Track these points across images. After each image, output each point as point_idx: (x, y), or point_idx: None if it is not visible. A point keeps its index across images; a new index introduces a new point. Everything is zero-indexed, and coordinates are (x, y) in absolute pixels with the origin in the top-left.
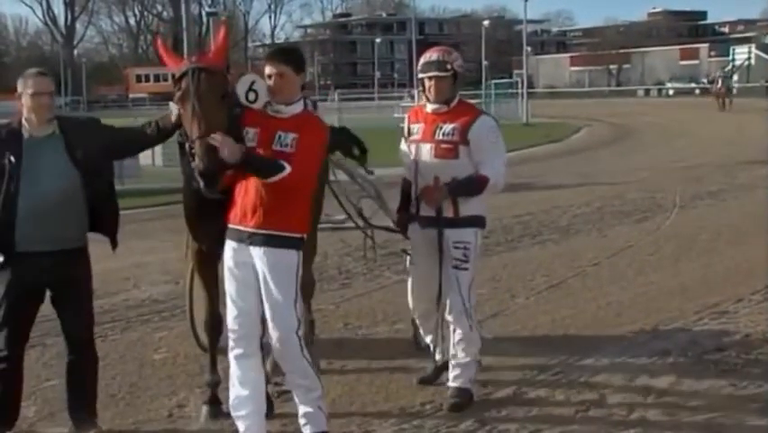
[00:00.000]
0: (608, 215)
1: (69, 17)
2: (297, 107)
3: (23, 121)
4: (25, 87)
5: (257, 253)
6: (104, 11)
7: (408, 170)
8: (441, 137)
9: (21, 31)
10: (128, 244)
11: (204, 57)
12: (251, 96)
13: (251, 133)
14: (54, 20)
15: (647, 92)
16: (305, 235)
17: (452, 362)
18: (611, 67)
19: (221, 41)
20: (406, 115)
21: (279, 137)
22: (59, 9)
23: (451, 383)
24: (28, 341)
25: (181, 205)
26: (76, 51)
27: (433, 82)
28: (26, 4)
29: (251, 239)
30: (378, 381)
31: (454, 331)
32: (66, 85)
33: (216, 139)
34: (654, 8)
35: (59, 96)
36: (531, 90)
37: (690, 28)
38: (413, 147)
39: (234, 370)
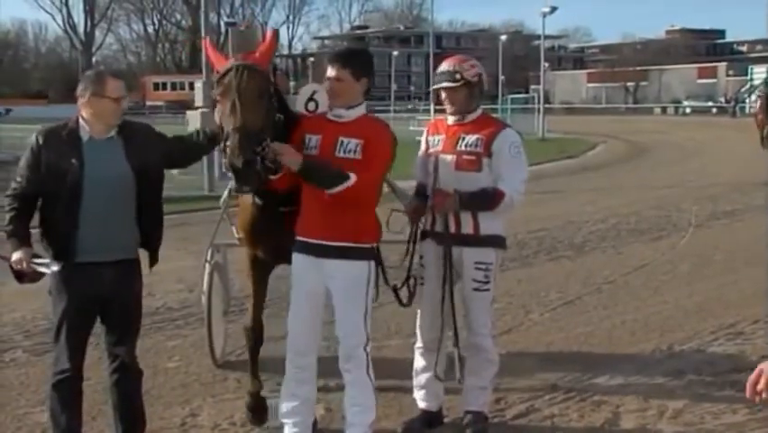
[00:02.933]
0: (623, 232)
1: (89, 24)
2: (359, 111)
3: (82, 122)
4: (105, 91)
5: (328, 266)
6: (123, 19)
7: (422, 181)
8: (464, 148)
9: (41, 37)
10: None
11: (249, 56)
12: (311, 105)
13: (313, 141)
14: (74, 27)
15: (664, 110)
16: (375, 244)
17: (471, 386)
18: (628, 84)
19: (268, 44)
20: (424, 128)
21: (342, 143)
22: (78, 16)
23: (469, 408)
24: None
25: (194, 213)
26: (94, 59)
27: (444, 93)
28: (47, 11)
29: (321, 252)
30: (391, 394)
31: (474, 355)
32: None
33: (275, 146)
34: (672, 26)
35: (75, 104)
36: (547, 106)
37: (708, 46)
38: (432, 159)
39: (289, 380)
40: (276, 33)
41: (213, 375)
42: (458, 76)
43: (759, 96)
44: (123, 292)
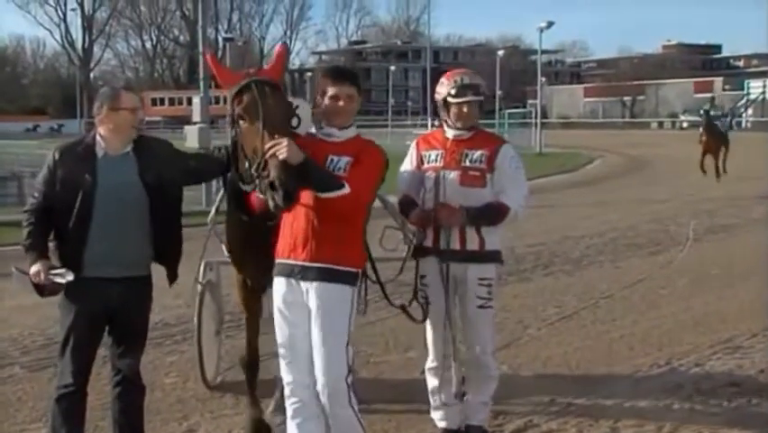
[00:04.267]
0: (621, 246)
1: (87, 40)
2: (352, 132)
3: (98, 138)
4: (118, 102)
5: (308, 289)
6: (121, 34)
7: (408, 197)
8: (468, 164)
9: (38, 53)
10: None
11: (263, 71)
12: (294, 121)
13: None
14: (72, 43)
15: (661, 124)
16: (360, 271)
17: (473, 401)
18: (625, 98)
19: (279, 59)
20: (413, 143)
21: (332, 161)
22: (76, 32)
23: (470, 422)
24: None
25: (193, 228)
26: (92, 74)
27: (466, 107)
28: (45, 27)
29: (302, 273)
30: (390, 408)
31: (475, 371)
32: (82, 107)
33: (279, 140)
34: (669, 40)
35: (73, 119)
36: (545, 120)
37: (705, 61)
38: (431, 175)
39: (294, 415)
40: (285, 48)
41: (210, 391)
42: (481, 89)
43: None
44: (130, 308)
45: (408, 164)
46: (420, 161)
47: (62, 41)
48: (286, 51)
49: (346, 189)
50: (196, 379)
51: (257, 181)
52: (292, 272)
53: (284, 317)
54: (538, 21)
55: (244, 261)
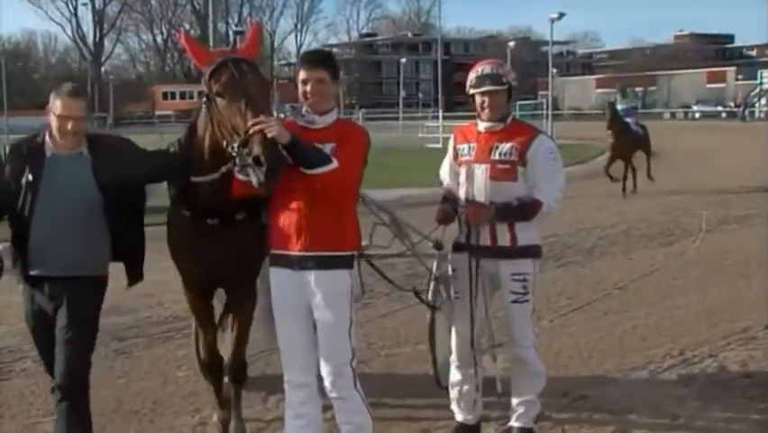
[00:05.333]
0: (633, 237)
1: (98, 35)
2: (333, 116)
3: (47, 138)
4: (54, 107)
5: (308, 278)
6: (132, 29)
7: (452, 191)
8: (498, 157)
9: (50, 48)
10: (152, 261)
11: (238, 50)
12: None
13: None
14: (83, 38)
15: (673, 115)
16: (356, 252)
17: (516, 400)
18: (637, 89)
19: (253, 36)
20: (451, 135)
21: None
22: (87, 27)
23: (514, 423)
24: None
25: None
26: (103, 69)
27: (487, 97)
28: (56, 22)
29: (300, 263)
30: (401, 402)
31: (518, 368)
32: (93, 102)
33: (264, 120)
34: (681, 31)
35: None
36: (556, 112)
37: (717, 51)
38: (463, 168)
39: (291, 402)
40: (259, 27)
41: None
42: (503, 79)
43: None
44: (73, 309)
45: (447, 158)
46: (456, 154)
47: (73, 35)
48: (260, 30)
49: (334, 164)
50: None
51: (236, 159)
52: (289, 263)
53: (284, 308)
54: (549, 12)
55: (186, 262)
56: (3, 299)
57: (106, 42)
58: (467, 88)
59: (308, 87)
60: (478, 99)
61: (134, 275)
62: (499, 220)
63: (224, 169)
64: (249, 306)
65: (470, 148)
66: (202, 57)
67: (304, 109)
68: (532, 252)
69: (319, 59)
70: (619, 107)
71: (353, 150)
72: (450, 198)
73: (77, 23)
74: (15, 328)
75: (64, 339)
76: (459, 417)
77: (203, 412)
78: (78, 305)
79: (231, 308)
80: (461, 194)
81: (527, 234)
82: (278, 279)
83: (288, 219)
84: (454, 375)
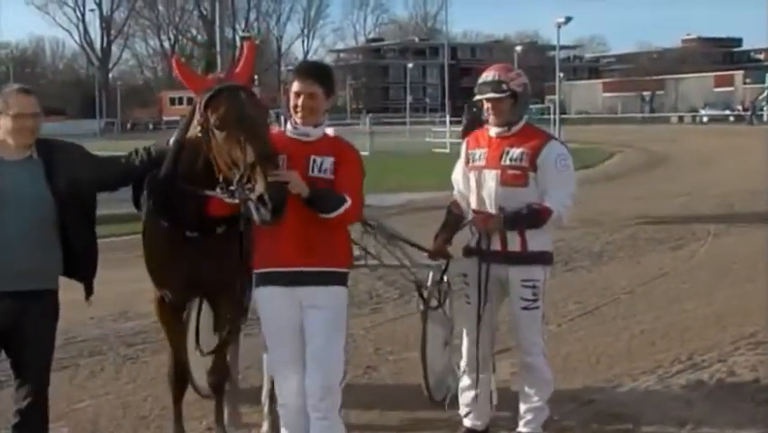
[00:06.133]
0: (641, 241)
1: (105, 41)
2: (322, 129)
3: None
4: (6, 107)
5: (303, 295)
6: (139, 34)
7: (460, 195)
8: (508, 162)
9: (58, 54)
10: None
11: (233, 76)
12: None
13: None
14: (90, 43)
15: (681, 119)
16: (349, 269)
17: (524, 406)
18: (644, 93)
19: (248, 58)
20: (464, 141)
21: (315, 162)
22: (95, 33)
23: (522, 429)
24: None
25: None
26: (111, 74)
27: (490, 104)
28: (63, 28)
29: (295, 280)
30: (408, 406)
31: (527, 374)
32: (101, 107)
33: (282, 174)
34: (689, 34)
35: (92, 120)
36: (563, 116)
37: (725, 54)
38: (473, 174)
39: (289, 426)
40: (252, 45)
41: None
42: (504, 86)
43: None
44: (25, 326)
45: (460, 163)
46: (467, 159)
47: (81, 41)
48: (254, 49)
49: (349, 202)
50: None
51: (236, 193)
52: (282, 280)
53: (279, 327)
54: (556, 16)
55: (162, 273)
56: None
57: (114, 48)
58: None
59: (300, 101)
60: (484, 105)
61: (89, 288)
62: (508, 228)
63: (211, 193)
64: (233, 317)
65: (481, 153)
66: (195, 83)
67: (292, 121)
68: (543, 258)
69: (314, 74)
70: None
71: (354, 173)
72: (454, 212)
73: (85, 28)
74: None
75: (28, 368)
76: (467, 422)
77: (210, 418)
78: (33, 326)
79: (217, 319)
80: (472, 200)
81: (538, 240)
82: (268, 297)
83: (279, 235)
84: (464, 381)
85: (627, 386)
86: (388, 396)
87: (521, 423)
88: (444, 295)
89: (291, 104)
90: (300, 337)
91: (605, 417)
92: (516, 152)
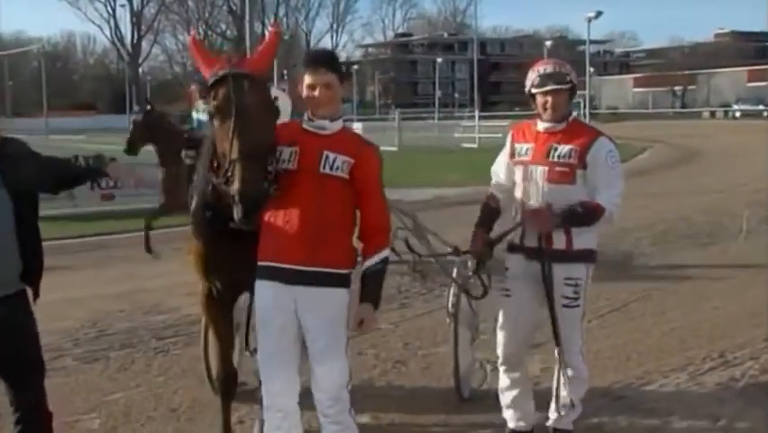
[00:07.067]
0: (672, 238)
1: (136, 36)
2: (340, 123)
3: None
4: None
5: (301, 295)
6: (169, 30)
7: (497, 188)
8: (556, 159)
9: (89, 49)
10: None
11: (245, 62)
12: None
13: (286, 153)
14: (121, 39)
15: (713, 114)
16: (351, 271)
17: (557, 403)
18: (676, 88)
19: (269, 45)
20: (509, 132)
21: (327, 158)
22: (126, 28)
23: (552, 425)
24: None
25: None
26: (141, 69)
27: (550, 97)
28: (95, 24)
29: (294, 278)
30: (439, 401)
31: (564, 371)
32: (131, 102)
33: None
34: (721, 29)
35: (122, 115)
36: (594, 111)
37: (758, 49)
38: (519, 169)
39: (272, 425)
40: (278, 33)
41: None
42: (568, 78)
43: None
44: (7, 332)
45: (503, 155)
46: (512, 153)
47: (111, 37)
48: (278, 39)
49: (387, 250)
50: (246, 371)
51: (221, 185)
52: (282, 277)
53: (269, 322)
54: (586, 11)
55: (210, 265)
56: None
57: (144, 43)
58: (527, 88)
59: (316, 93)
60: (540, 99)
61: (36, 291)
62: (563, 226)
63: (215, 181)
64: None
65: (527, 148)
66: (206, 64)
67: (308, 113)
68: (587, 256)
69: (325, 63)
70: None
71: (374, 177)
72: (492, 205)
73: (116, 24)
74: (54, 327)
75: (21, 370)
76: (511, 424)
77: (240, 411)
78: (20, 330)
79: None
80: (518, 195)
81: (584, 237)
82: (267, 293)
83: (285, 230)
84: (503, 380)
85: (658, 383)
86: (418, 391)
87: (552, 419)
88: (488, 283)
89: (306, 97)
90: (290, 338)
91: (636, 413)
92: (564, 148)
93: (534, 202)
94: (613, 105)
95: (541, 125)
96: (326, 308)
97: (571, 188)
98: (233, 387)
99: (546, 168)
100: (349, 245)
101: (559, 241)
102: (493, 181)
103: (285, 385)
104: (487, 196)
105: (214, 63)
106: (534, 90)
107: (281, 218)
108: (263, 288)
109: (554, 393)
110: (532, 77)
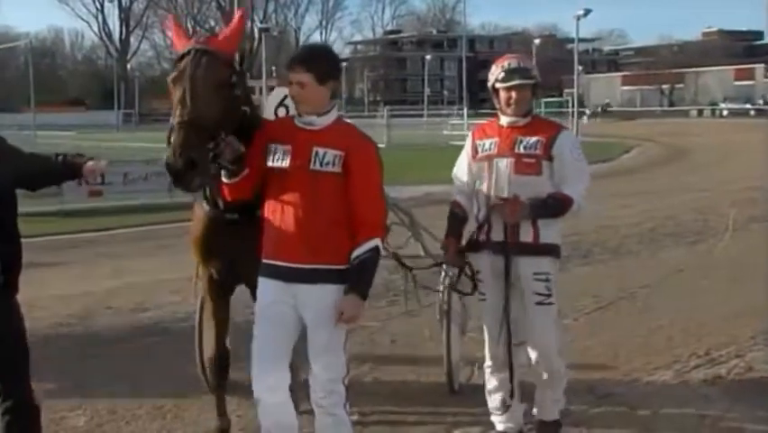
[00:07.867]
0: (659, 236)
1: (124, 32)
2: (331, 117)
3: None
4: None
5: (302, 291)
6: (157, 26)
7: (461, 193)
8: (522, 150)
9: (77, 45)
10: (181, 257)
11: (211, 40)
12: (282, 111)
13: (280, 151)
14: (109, 35)
15: (700, 112)
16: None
17: (541, 398)
18: (664, 86)
19: (235, 28)
20: (469, 133)
21: (317, 154)
22: (114, 24)
23: (545, 418)
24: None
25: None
26: (129, 65)
27: (514, 92)
28: (83, 19)
29: (294, 275)
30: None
31: (542, 368)
32: (119, 98)
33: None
34: (709, 27)
35: (111, 111)
36: (582, 109)
37: (746, 48)
38: (484, 163)
39: (265, 419)
40: (244, 14)
41: (248, 378)
42: (532, 72)
43: None
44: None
45: (464, 156)
46: (475, 150)
47: (100, 32)
48: (244, 22)
49: (377, 240)
50: (233, 368)
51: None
52: (282, 274)
53: (267, 315)
54: (575, 9)
55: (209, 252)
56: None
57: (132, 39)
58: (491, 82)
59: (293, 91)
60: (504, 94)
61: (14, 288)
62: (533, 218)
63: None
64: None
65: (491, 143)
66: (179, 41)
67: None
68: (553, 251)
69: (300, 61)
70: None
71: (369, 163)
72: (458, 213)
73: (104, 19)
74: (38, 323)
75: (6, 362)
76: (499, 427)
77: (240, 409)
78: (6, 331)
79: None
80: (484, 189)
81: (550, 231)
82: (268, 289)
83: (282, 229)
84: (490, 382)
85: (644, 380)
86: (405, 388)
87: (538, 412)
88: (477, 279)
89: (289, 93)
90: (289, 333)
91: (622, 410)
92: (530, 140)
93: (500, 194)
94: (601, 103)
95: (504, 120)
96: (325, 303)
97: (537, 179)
98: (225, 366)
99: (513, 159)
100: (346, 240)
101: (526, 234)
102: (456, 184)
103: (276, 382)
104: (451, 203)
105: (183, 41)
106: (498, 85)
107: (279, 217)
108: (265, 284)
109: (537, 389)
110: (496, 72)
